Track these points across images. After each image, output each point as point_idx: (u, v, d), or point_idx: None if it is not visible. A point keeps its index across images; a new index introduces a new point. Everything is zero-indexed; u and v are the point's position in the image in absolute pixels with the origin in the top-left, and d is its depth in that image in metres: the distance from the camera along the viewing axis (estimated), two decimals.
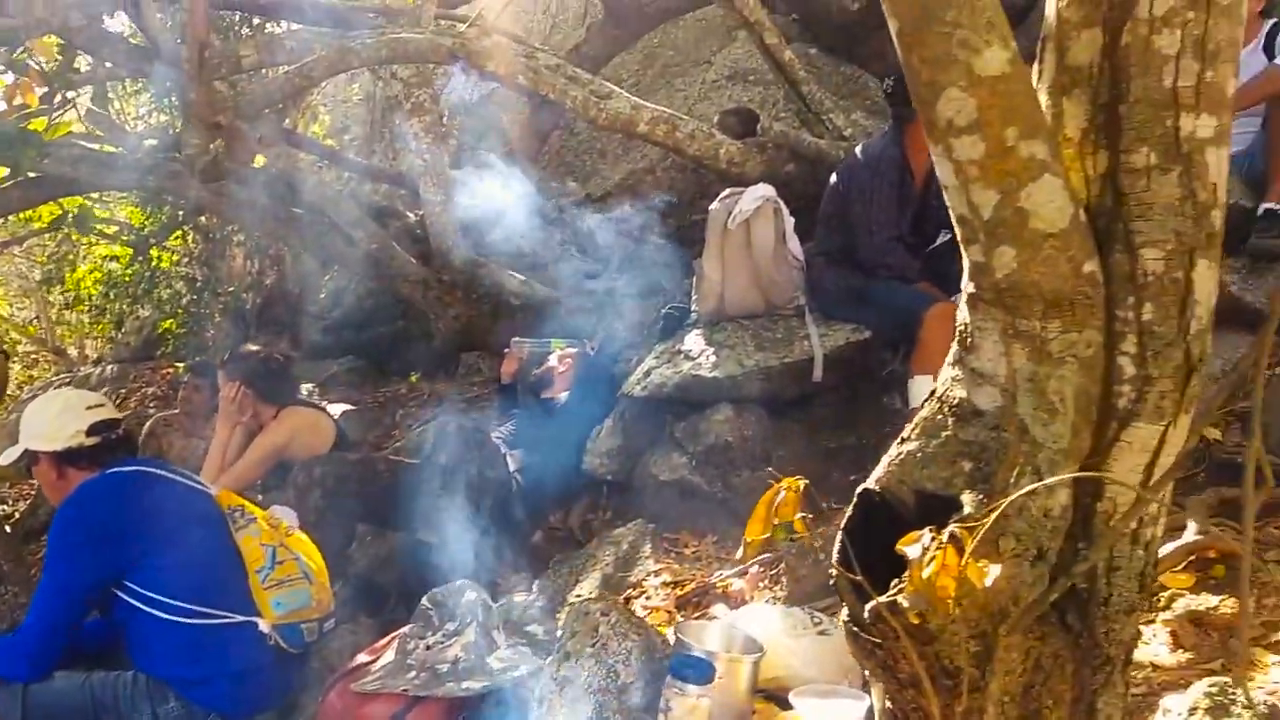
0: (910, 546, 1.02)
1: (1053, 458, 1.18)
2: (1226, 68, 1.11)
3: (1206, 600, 2.08)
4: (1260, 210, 3.34)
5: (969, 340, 1.26)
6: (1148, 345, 1.17)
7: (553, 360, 4.08)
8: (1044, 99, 1.23)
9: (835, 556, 1.26)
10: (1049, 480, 1.15)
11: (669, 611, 2.76)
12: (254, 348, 4.15)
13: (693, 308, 4.01)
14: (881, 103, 4.60)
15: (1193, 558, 2.21)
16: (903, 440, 1.31)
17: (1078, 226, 1.16)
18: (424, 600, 2.56)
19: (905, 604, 1.07)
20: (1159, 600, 2.12)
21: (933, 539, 1.01)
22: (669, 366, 3.73)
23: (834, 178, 3.82)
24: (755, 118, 4.72)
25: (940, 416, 1.28)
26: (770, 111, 4.97)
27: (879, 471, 1.30)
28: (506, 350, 4.20)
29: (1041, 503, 1.17)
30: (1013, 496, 1.10)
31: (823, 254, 3.87)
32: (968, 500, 1.19)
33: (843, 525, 1.27)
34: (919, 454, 1.27)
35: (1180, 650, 1.95)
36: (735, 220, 3.82)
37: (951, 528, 1.10)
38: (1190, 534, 2.24)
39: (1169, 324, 1.17)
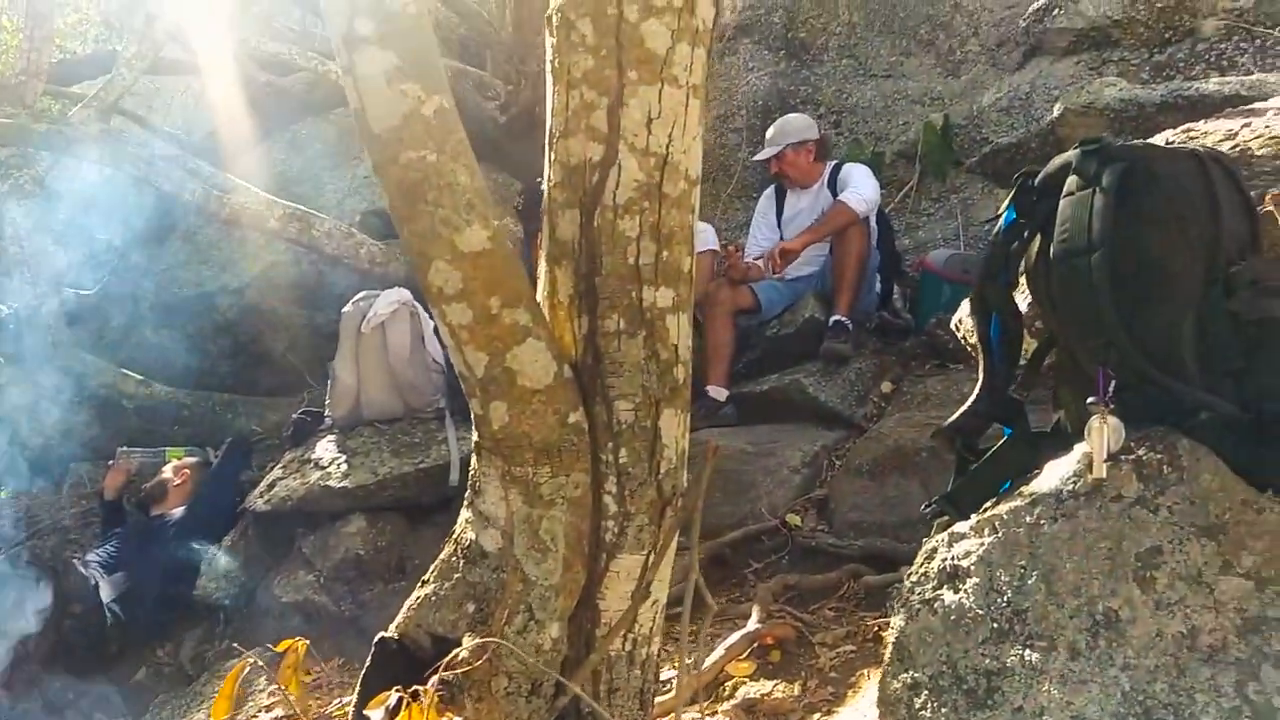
0: (374, 711, 1.04)
1: (544, 594, 1.28)
2: (681, 248, 1.29)
3: (763, 686, 2.33)
4: (830, 321, 3.90)
5: (477, 485, 1.35)
6: (626, 485, 1.32)
7: (167, 471, 3.74)
8: (542, 267, 1.37)
9: (354, 705, 1.26)
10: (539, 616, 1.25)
11: None
12: None
13: (327, 413, 3.89)
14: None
15: (754, 645, 2.46)
16: (423, 583, 1.35)
17: (563, 382, 1.30)
18: None
19: None
20: (724, 690, 2.34)
21: (400, 699, 1.05)
22: (296, 477, 3.57)
23: None
24: None
25: (454, 559, 1.34)
26: None
27: (400, 616, 1.33)
28: (112, 462, 3.80)
29: (533, 638, 1.26)
30: (496, 640, 1.17)
31: None
32: (467, 642, 1.25)
33: (361, 675, 1.27)
34: (433, 597, 1.32)
35: None
36: (369, 324, 3.79)
37: (443, 674, 1.15)
38: (753, 622, 2.50)
39: (642, 466, 1.32)
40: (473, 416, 1.33)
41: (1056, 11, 4.22)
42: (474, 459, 1.36)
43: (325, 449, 3.68)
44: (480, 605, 1.28)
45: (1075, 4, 4.16)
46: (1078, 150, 1.42)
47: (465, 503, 1.37)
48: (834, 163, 4.22)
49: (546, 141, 1.26)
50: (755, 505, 3.21)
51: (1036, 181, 1.50)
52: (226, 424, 4.37)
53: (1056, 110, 3.20)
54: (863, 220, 3.90)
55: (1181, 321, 1.34)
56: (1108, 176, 1.36)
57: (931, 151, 4.60)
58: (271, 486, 3.55)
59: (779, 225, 4.28)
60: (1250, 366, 1.31)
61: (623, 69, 1.09)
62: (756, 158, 4.54)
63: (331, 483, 3.48)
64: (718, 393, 3.83)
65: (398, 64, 1.14)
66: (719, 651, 2.37)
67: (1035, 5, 4.36)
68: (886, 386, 3.75)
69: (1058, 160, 1.47)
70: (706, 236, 4.42)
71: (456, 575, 1.32)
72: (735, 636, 2.42)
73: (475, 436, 1.34)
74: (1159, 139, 2.44)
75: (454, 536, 1.37)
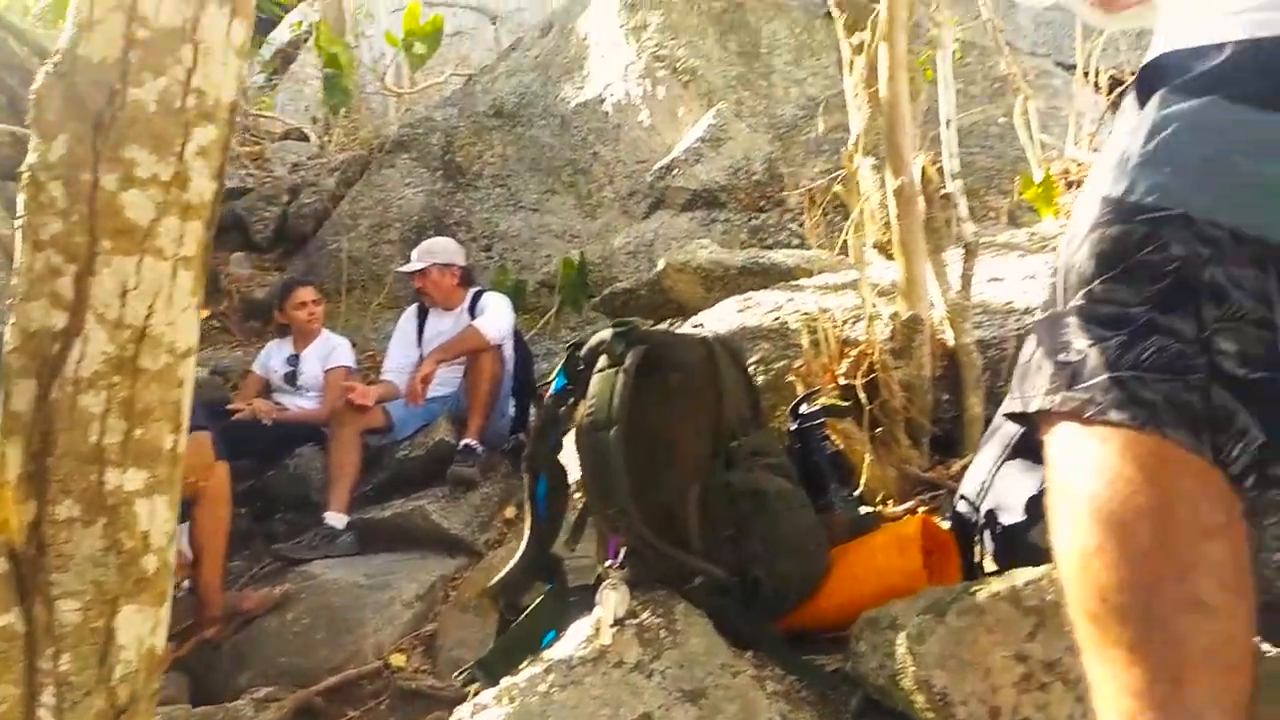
0: None
1: None
2: (162, 425, 1.19)
3: None
4: (460, 445, 3.91)
5: None
6: (66, 696, 1.16)
7: None
8: None
9: None
10: None
11: None
12: None
13: None
14: None
15: None
16: None
17: None
18: None
19: None
20: None
21: None
22: None
23: None
24: None
25: None
26: None
27: None
28: None
29: None
30: None
31: None
32: None
33: None
34: None
35: None
36: None
37: None
38: None
39: (88, 673, 1.16)
40: None
41: (676, 172, 4.73)
42: None
43: None
44: None
45: (691, 167, 4.70)
46: (610, 329, 1.56)
47: None
48: (477, 290, 4.33)
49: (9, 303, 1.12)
50: (361, 645, 3.07)
51: (583, 353, 1.62)
52: None
53: (660, 265, 3.54)
54: (496, 346, 4.01)
55: (687, 491, 1.49)
56: (630, 358, 1.50)
57: (568, 285, 4.88)
58: None
59: (419, 344, 4.28)
60: (741, 533, 1.48)
61: (96, 237, 1.02)
62: (401, 269, 4.55)
63: None
64: (336, 519, 3.67)
65: None
66: None
67: (660, 164, 4.85)
68: (510, 512, 3.80)
69: (597, 336, 1.60)
70: (342, 351, 4.31)
71: None
72: None
73: None
74: (731, 302, 2.78)
75: None
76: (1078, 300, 0.84)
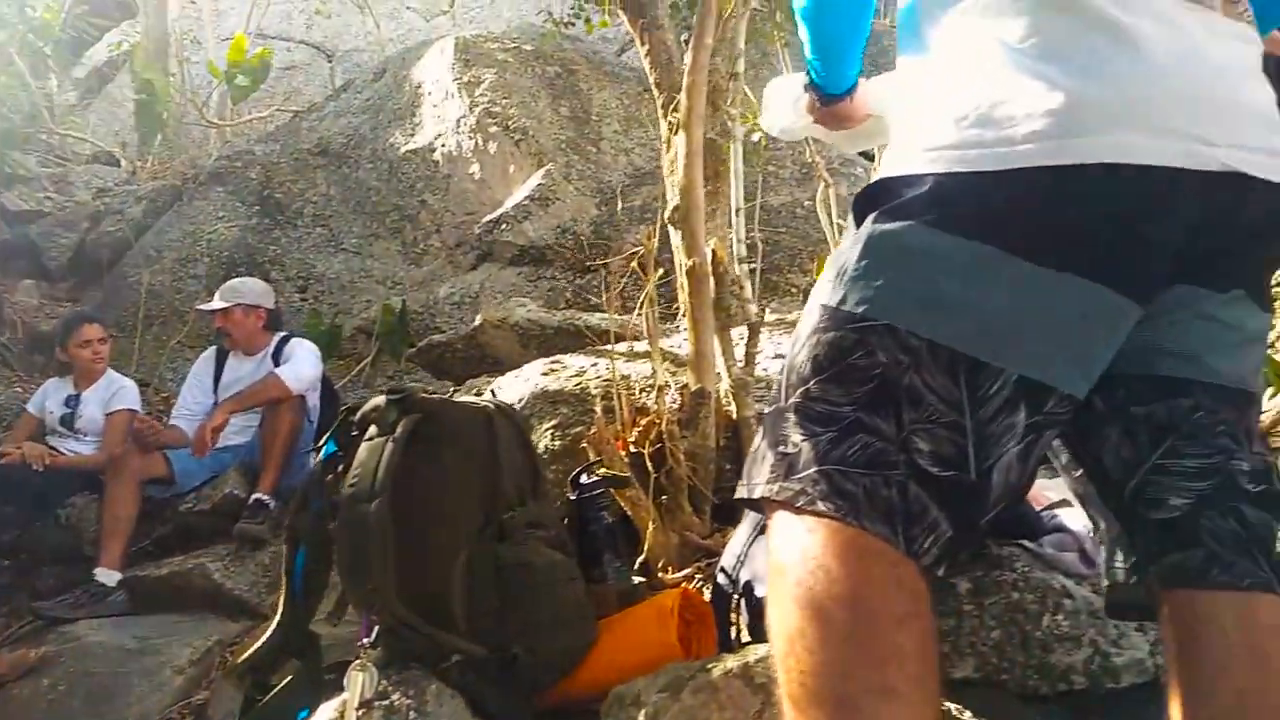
0: None
1: None
2: None
3: None
4: (250, 499, 3.68)
5: None
6: None
7: None
8: None
9: None
10: None
11: None
12: None
13: None
14: None
15: None
16: None
17: None
18: None
19: None
20: None
21: None
22: None
23: None
24: None
25: None
26: None
27: None
28: None
29: None
30: None
31: None
32: None
33: None
34: None
35: None
36: None
37: None
38: None
39: None
40: None
41: (505, 227, 4.74)
42: None
43: None
44: None
45: (519, 223, 4.72)
46: (384, 396, 1.54)
47: None
48: (284, 335, 4.13)
49: None
50: (124, 714, 2.82)
51: (356, 418, 1.58)
52: None
53: (477, 320, 3.52)
54: (299, 396, 3.83)
55: (453, 565, 1.47)
56: (402, 426, 1.47)
57: (388, 332, 4.77)
58: None
59: (215, 390, 4.04)
60: (506, 607, 1.48)
61: None
62: (203, 307, 4.26)
63: None
64: (108, 576, 3.38)
65: None
66: None
67: (489, 217, 4.85)
68: None
69: (371, 402, 1.57)
70: (127, 394, 4.01)
71: None
72: None
73: None
74: (539, 364, 2.79)
75: None
76: (796, 397, 0.90)
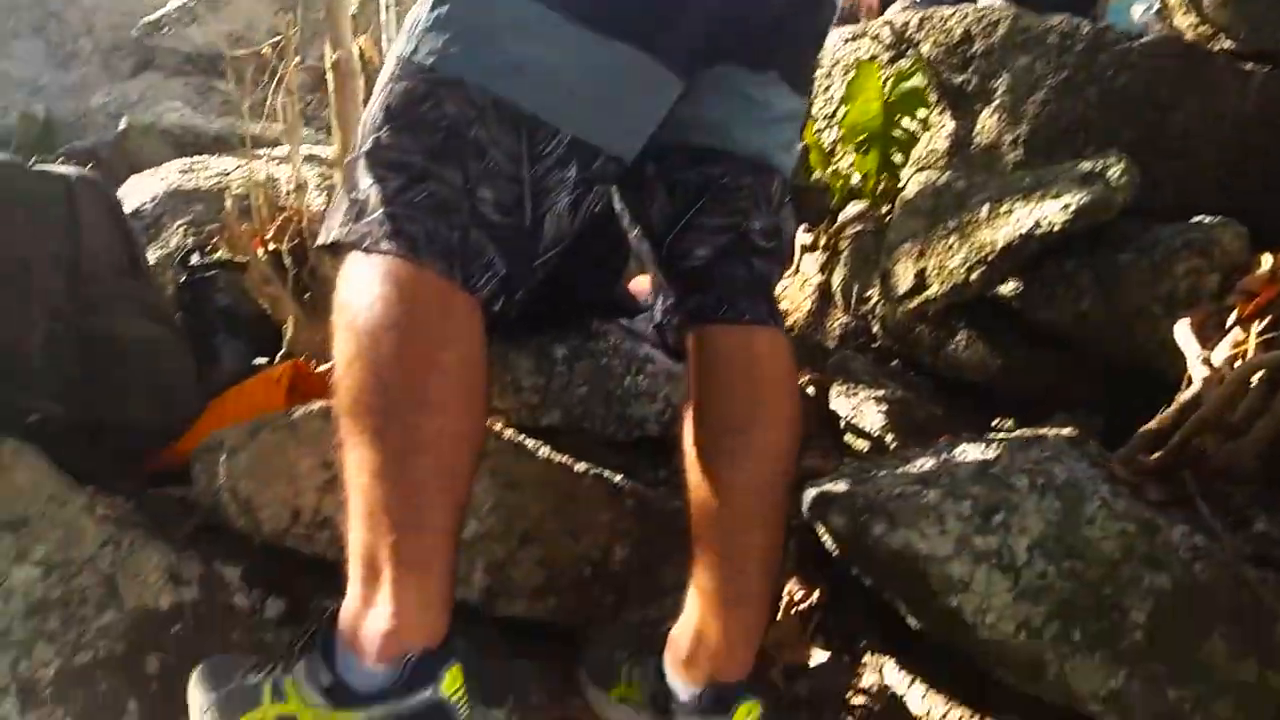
0: None
1: None
2: None
3: None
4: None
5: None
6: None
7: None
8: None
9: None
10: None
11: None
12: None
13: None
14: None
15: None
16: None
17: None
18: None
19: None
20: None
21: None
22: None
23: None
24: None
25: None
26: None
27: None
28: None
29: None
30: None
31: None
32: None
33: None
34: None
35: None
36: None
37: None
38: None
39: None
40: None
41: (167, 30, 4.28)
42: None
43: None
44: None
45: (185, 28, 4.28)
46: None
47: None
48: None
49: None
50: None
51: None
52: None
53: (122, 124, 3.22)
54: None
55: (33, 331, 1.43)
56: None
57: (32, 144, 4.23)
58: None
59: None
60: (95, 377, 1.47)
61: None
62: None
63: None
64: None
65: None
66: None
67: (146, 19, 4.36)
68: None
69: None
70: None
71: None
72: None
73: None
74: (178, 163, 2.64)
75: None
76: (368, 145, 0.93)
